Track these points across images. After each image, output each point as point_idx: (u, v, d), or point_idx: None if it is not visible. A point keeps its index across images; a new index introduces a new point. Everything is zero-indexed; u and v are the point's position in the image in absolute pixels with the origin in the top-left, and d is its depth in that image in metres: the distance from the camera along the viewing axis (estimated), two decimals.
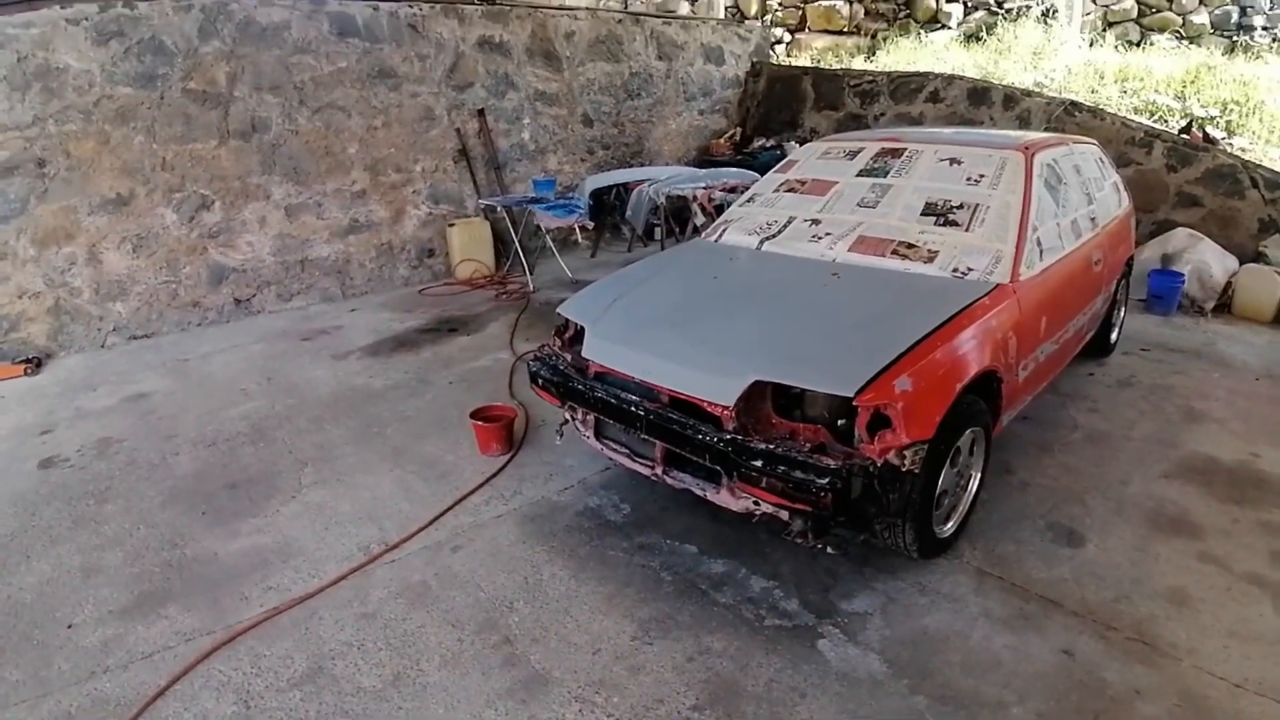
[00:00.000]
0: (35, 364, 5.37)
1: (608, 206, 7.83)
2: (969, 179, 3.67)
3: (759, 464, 2.51)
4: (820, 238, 3.54)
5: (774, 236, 3.67)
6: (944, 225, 3.48)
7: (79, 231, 5.61)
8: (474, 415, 3.74)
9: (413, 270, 7.17)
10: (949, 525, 3.00)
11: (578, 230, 7.19)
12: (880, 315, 2.89)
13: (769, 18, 11.41)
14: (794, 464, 2.47)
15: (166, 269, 5.96)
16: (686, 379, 2.71)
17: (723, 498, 2.73)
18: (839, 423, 2.62)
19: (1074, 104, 7.58)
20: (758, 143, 9.26)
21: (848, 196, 3.77)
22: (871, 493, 2.50)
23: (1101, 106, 7.60)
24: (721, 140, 9.39)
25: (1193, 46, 9.35)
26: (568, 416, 3.27)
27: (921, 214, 3.55)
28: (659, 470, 2.88)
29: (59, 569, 3.04)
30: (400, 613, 2.67)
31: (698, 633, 2.55)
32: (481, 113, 7.38)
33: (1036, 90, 8.04)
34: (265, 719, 2.29)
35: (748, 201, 4.13)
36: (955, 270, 3.25)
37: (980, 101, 8.10)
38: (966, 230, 3.43)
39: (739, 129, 9.64)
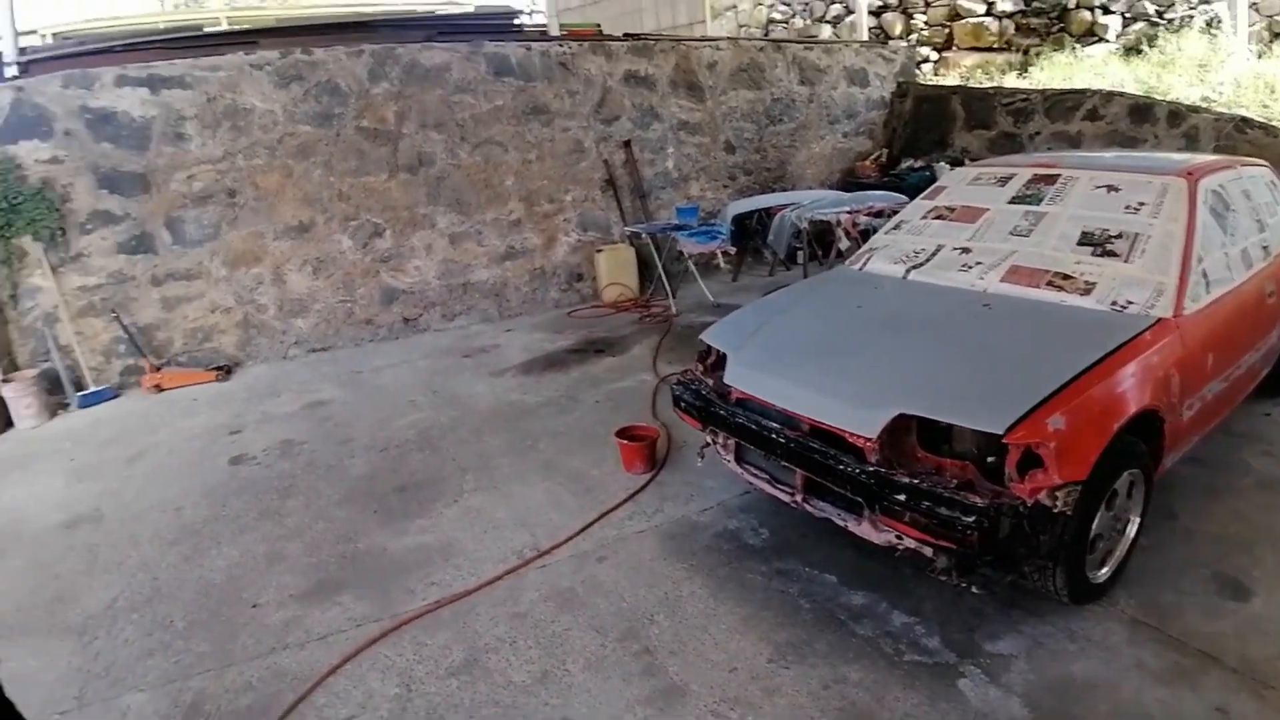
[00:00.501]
0: (226, 371, 6.04)
1: (750, 231, 7.92)
2: (1128, 207, 3.50)
3: (902, 498, 2.50)
4: (970, 267, 3.48)
5: (921, 265, 3.64)
6: (1102, 256, 3.34)
7: (265, 254, 6.28)
8: (620, 434, 3.91)
9: (562, 293, 7.51)
10: (1104, 570, 2.86)
11: (720, 255, 7.31)
12: (1034, 349, 2.82)
13: (914, 37, 11.17)
14: (939, 500, 2.45)
15: (343, 289, 6.56)
16: (828, 408, 2.75)
17: (864, 530, 2.74)
18: (988, 460, 2.57)
19: (1245, 120, 7.00)
20: (905, 164, 9.08)
21: (999, 224, 3.69)
22: (1020, 533, 2.44)
23: (1274, 123, 6.98)
24: (867, 162, 9.28)
25: None
26: (709, 440, 3.37)
27: (1078, 244, 3.42)
28: (799, 498, 2.93)
29: (246, 555, 3.45)
30: (549, 615, 2.85)
31: (834, 662, 2.57)
32: (628, 144, 7.66)
33: (1204, 106, 7.48)
34: (424, 702, 2.50)
35: (894, 229, 4.11)
36: (1114, 303, 3.11)
37: (1143, 119, 7.62)
38: (1126, 261, 3.27)
39: (885, 150, 9.49)
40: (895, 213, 6.53)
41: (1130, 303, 3.10)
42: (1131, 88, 8.24)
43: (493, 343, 6.41)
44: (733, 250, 7.05)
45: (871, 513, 2.62)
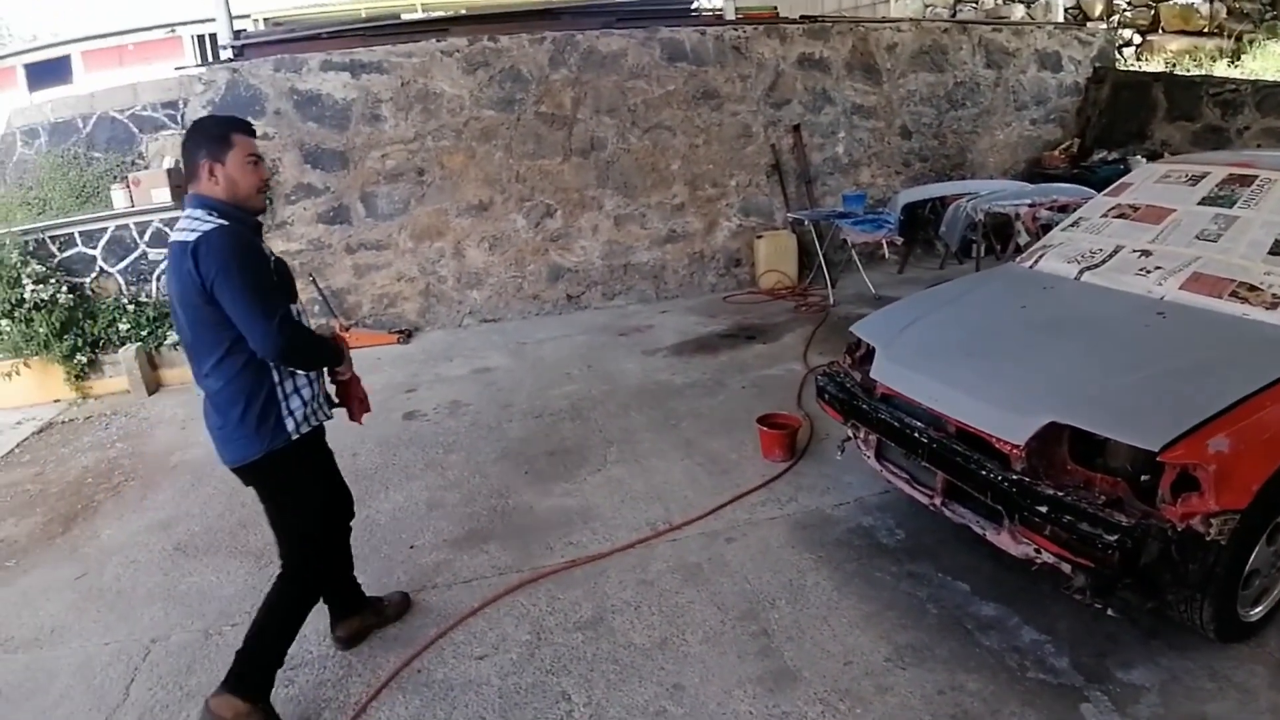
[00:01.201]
0: (407, 335, 6.61)
1: (921, 221, 7.61)
2: None
3: (1044, 510, 2.41)
4: (1149, 271, 3.23)
5: (1096, 266, 3.41)
6: None
7: (448, 230, 6.78)
8: (761, 420, 3.96)
9: (719, 278, 7.59)
10: (1258, 609, 2.61)
11: (885, 245, 7.10)
12: (1206, 364, 2.60)
13: (1115, 19, 10.22)
14: (1081, 515, 2.33)
15: (515, 265, 6.97)
16: (976, 411, 2.68)
17: (1002, 540, 2.65)
18: (1142, 478, 2.42)
19: None
20: (1098, 155, 8.38)
21: (1185, 227, 3.39)
22: (1167, 559, 2.28)
23: None
24: (1056, 152, 8.64)
25: None
26: (850, 434, 3.35)
27: (1269, 253, 3.07)
28: (938, 501, 2.87)
29: (409, 500, 3.82)
30: (674, 586, 2.98)
31: (954, 669, 2.52)
32: (797, 128, 7.57)
33: None
34: (551, 650, 2.70)
35: (1072, 225, 3.86)
36: None
37: None
38: None
39: (1077, 140, 8.80)
40: (1055, 207, 6.11)
41: None
42: None
43: (647, 323, 6.59)
44: (899, 240, 6.81)
45: (1011, 523, 2.53)
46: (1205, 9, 9.55)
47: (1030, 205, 6.17)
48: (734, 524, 3.39)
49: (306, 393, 2.37)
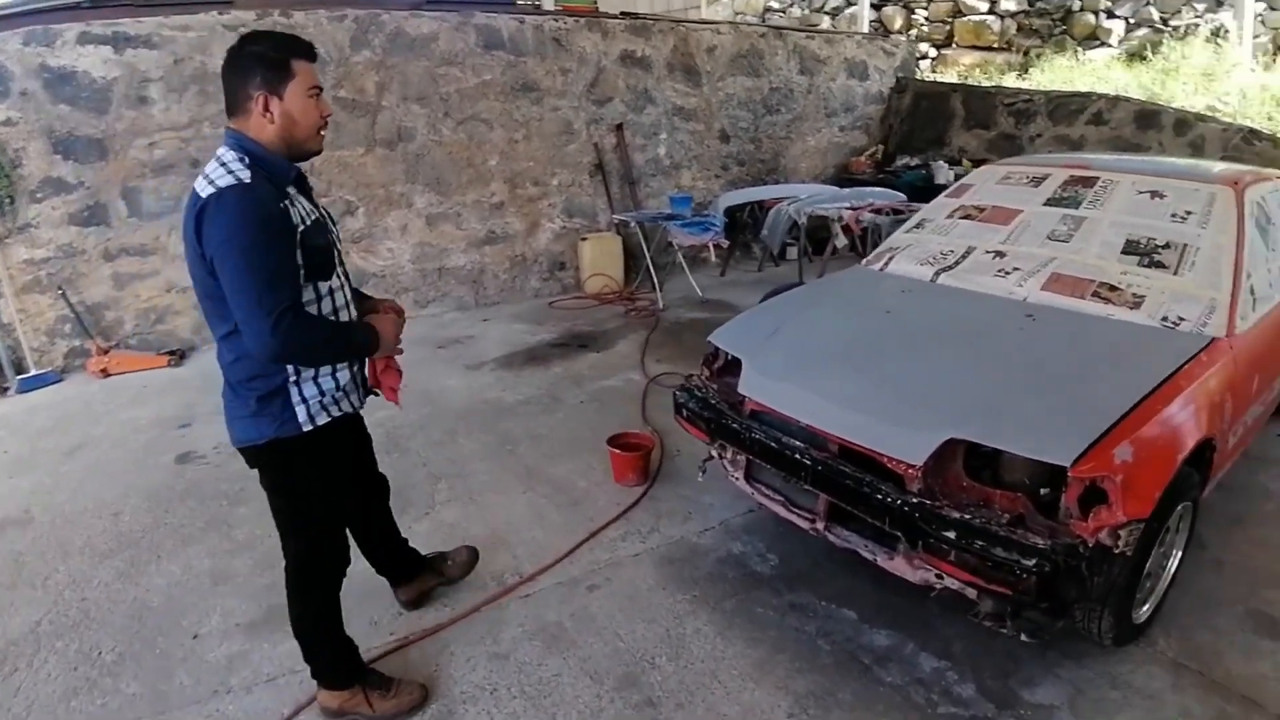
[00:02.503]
0: (179, 356, 5.59)
1: (740, 224, 7.60)
2: (1174, 215, 3.24)
3: (952, 536, 2.19)
4: (1008, 273, 3.17)
5: (951, 268, 3.32)
6: (1149, 267, 3.07)
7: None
8: (611, 442, 3.55)
9: (543, 282, 7.12)
10: (1144, 609, 2.59)
11: (711, 248, 6.96)
12: (1089, 369, 2.52)
13: (914, 33, 10.90)
14: (994, 539, 2.13)
15: None
16: (865, 428, 2.42)
17: (896, 565, 2.42)
18: (1041, 491, 2.27)
19: (1253, 132, 6.81)
20: (901, 161, 8.79)
21: (1035, 228, 3.39)
22: (1076, 576, 2.14)
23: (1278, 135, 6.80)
24: (862, 158, 8.98)
25: None
26: (714, 454, 3.02)
27: (1123, 252, 3.15)
28: (821, 526, 2.60)
29: (188, 573, 3.04)
30: (535, 656, 2.49)
31: (861, 714, 2.25)
32: (620, 127, 7.28)
33: (1211, 115, 7.27)
34: None
35: (916, 227, 3.79)
36: (1165, 319, 2.83)
37: (1148, 125, 7.39)
38: (1175, 274, 3.01)
39: (881, 146, 9.21)
40: (896, 211, 6.28)
41: (1182, 319, 2.83)
42: (1135, 93, 8.03)
43: (468, 333, 6.00)
44: (726, 244, 6.70)
45: (912, 549, 2.29)
46: (997, 25, 10.36)
47: (850, 209, 6.25)
48: (594, 567, 2.94)
49: (328, 381, 1.99)
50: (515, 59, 6.67)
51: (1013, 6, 10.32)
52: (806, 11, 12.08)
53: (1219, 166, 3.96)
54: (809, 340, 2.92)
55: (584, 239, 7.08)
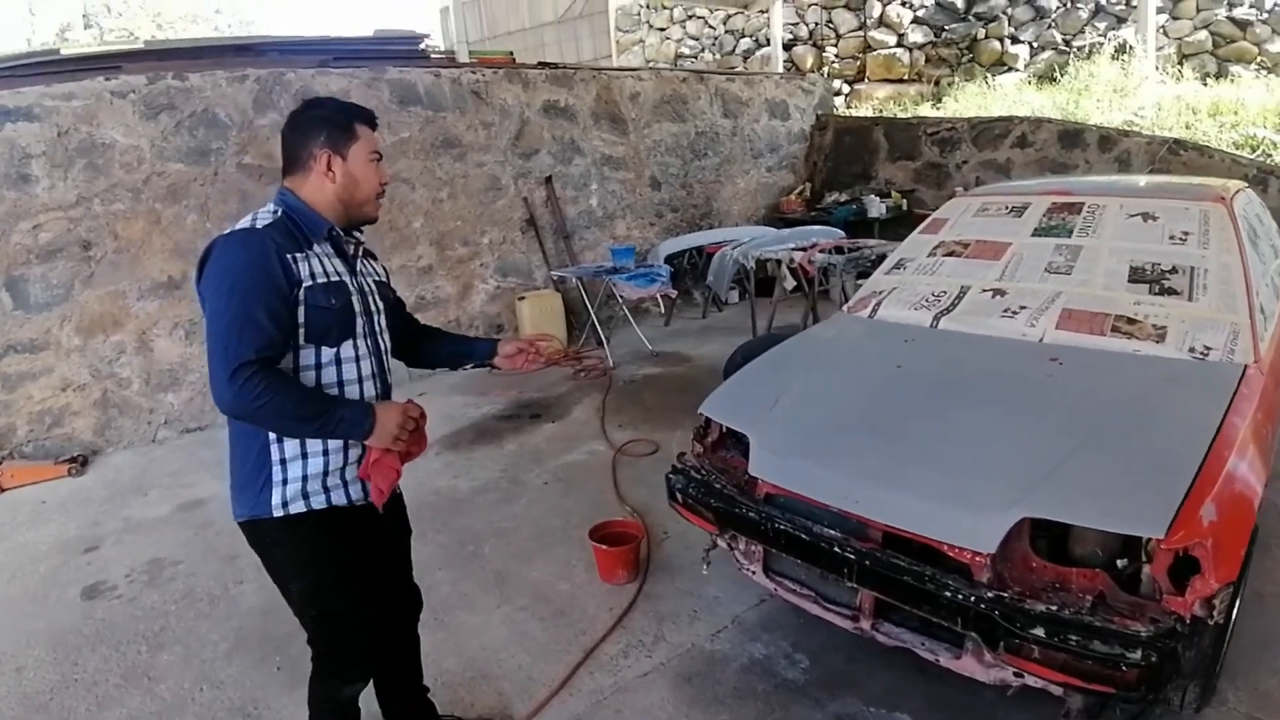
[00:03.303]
0: (80, 463, 4.89)
1: (680, 271, 7.35)
2: (1171, 237, 3.10)
3: (1040, 633, 1.85)
4: (1015, 312, 2.92)
5: (949, 311, 3.06)
6: (1161, 294, 2.88)
7: (128, 318, 5.19)
8: (594, 535, 3.12)
9: None
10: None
11: (659, 299, 6.65)
12: (1140, 416, 2.26)
13: (825, 70, 11.02)
14: (1091, 632, 1.81)
15: None
16: (916, 513, 2.08)
17: (965, 665, 2.07)
18: (1119, 564, 1.98)
19: (1178, 142, 6.97)
20: (831, 197, 8.73)
21: (1030, 261, 3.17)
22: (1175, 656, 1.84)
23: (1206, 144, 6.97)
24: (792, 197, 8.89)
25: (1272, 77, 8.70)
26: (720, 542, 2.63)
27: (1130, 281, 2.96)
28: (866, 624, 2.23)
29: None
30: None
31: None
32: (549, 180, 6.95)
33: (1134, 130, 7.45)
34: None
35: (895, 268, 3.54)
36: (1192, 350, 2.64)
37: (1073, 144, 7.51)
38: (1189, 300, 2.84)
39: (808, 184, 9.15)
40: (840, 249, 6.11)
41: (1209, 349, 2.64)
42: (1051, 114, 8.19)
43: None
44: (674, 294, 6.40)
45: (990, 649, 1.94)
46: (906, 58, 10.54)
47: (801, 250, 6.03)
48: (599, 697, 2.48)
49: (316, 463, 1.76)
50: (434, 114, 6.29)
51: (920, 38, 10.54)
52: (718, 56, 12.12)
53: (1194, 181, 3.89)
54: (820, 407, 2.59)
55: (521, 298, 6.67)
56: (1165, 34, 9.26)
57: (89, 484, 4.67)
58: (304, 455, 1.75)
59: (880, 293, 3.37)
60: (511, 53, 7.52)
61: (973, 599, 1.92)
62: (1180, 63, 9.03)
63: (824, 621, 2.39)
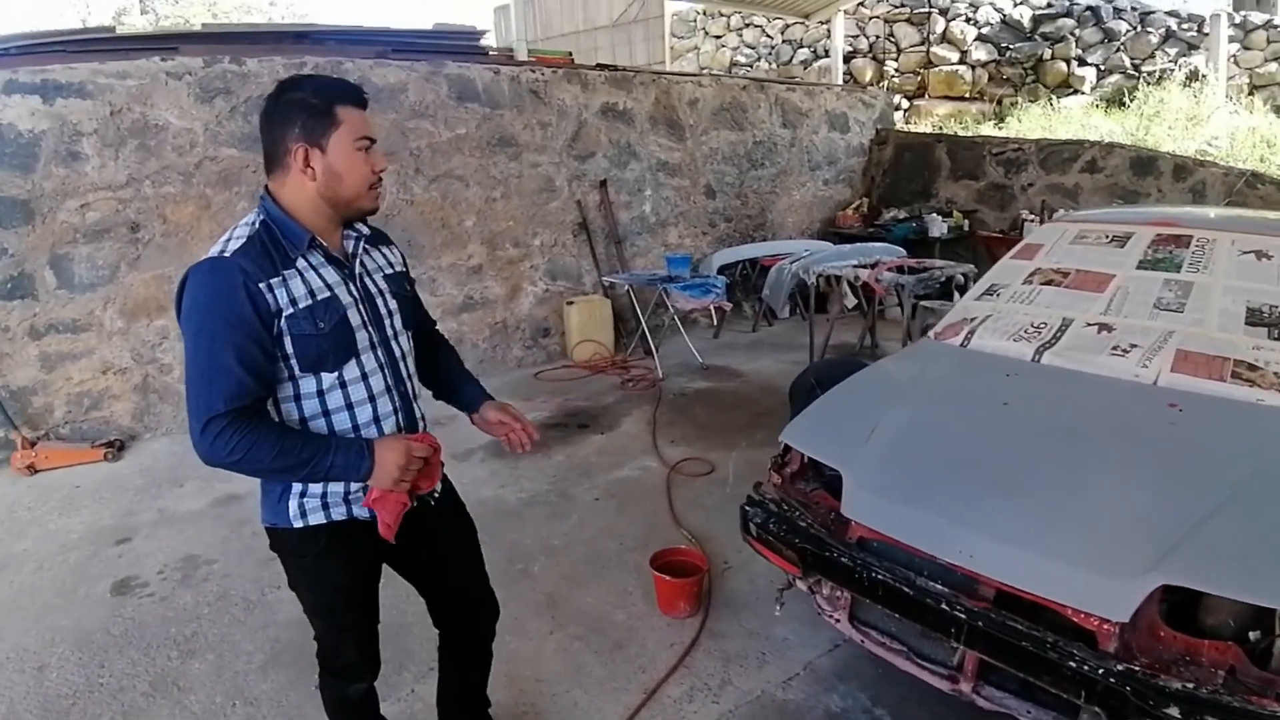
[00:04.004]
0: (117, 447, 4.80)
1: (732, 283, 7.13)
2: None
3: (1175, 714, 1.64)
4: (1126, 350, 2.68)
5: (1051, 344, 2.82)
6: (1279, 339, 2.63)
7: (171, 303, 5.09)
8: (655, 563, 2.92)
9: (526, 350, 6.50)
10: None
11: (712, 311, 6.46)
12: (1273, 473, 2.04)
13: (884, 84, 10.76)
14: (1230, 713, 1.61)
15: None
16: (1039, 571, 1.87)
17: None
18: (1251, 636, 1.76)
19: (1255, 175, 6.65)
20: (889, 214, 8.48)
21: (1136, 295, 2.93)
22: None
23: None
24: (849, 211, 8.65)
25: None
26: (800, 585, 2.42)
27: (1247, 323, 2.71)
28: (967, 686, 2.01)
29: None
30: None
31: None
32: (603, 184, 6.78)
33: (1209, 160, 7.13)
34: None
35: (987, 294, 3.31)
36: None
37: (1145, 172, 7.21)
38: None
39: (865, 199, 8.90)
40: (904, 269, 5.87)
41: None
42: (1120, 140, 7.88)
43: (448, 412, 5.18)
44: (729, 306, 6.20)
45: None
46: (969, 75, 10.25)
47: (868, 267, 5.79)
48: None
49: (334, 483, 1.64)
50: (491, 111, 6.15)
51: (984, 56, 10.24)
52: (775, 66, 11.91)
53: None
54: (922, 445, 2.37)
55: (570, 303, 6.50)
56: (1236, 63, 8.91)
57: (125, 470, 4.57)
58: None
59: (972, 320, 3.13)
60: (570, 53, 7.36)
61: (1100, 671, 1.70)
62: (1251, 93, 8.66)
63: (909, 676, 2.17)
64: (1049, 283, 3.17)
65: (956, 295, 5.71)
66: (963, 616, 1.90)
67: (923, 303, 5.54)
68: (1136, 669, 1.71)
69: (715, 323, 7.20)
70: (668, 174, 7.32)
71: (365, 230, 1.70)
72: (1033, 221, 7.28)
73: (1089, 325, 2.87)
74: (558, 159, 6.53)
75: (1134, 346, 2.69)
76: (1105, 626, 1.77)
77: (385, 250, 1.78)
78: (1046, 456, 2.21)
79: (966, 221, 8.05)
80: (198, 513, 3.94)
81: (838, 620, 2.32)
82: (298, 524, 1.64)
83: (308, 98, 1.54)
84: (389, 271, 1.75)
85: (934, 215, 7.94)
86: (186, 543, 3.62)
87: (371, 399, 1.64)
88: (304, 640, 2.80)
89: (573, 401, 5.47)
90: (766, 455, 4.44)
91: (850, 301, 6.18)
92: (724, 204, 7.81)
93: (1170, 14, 9.42)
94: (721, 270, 6.90)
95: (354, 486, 1.64)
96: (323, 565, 1.70)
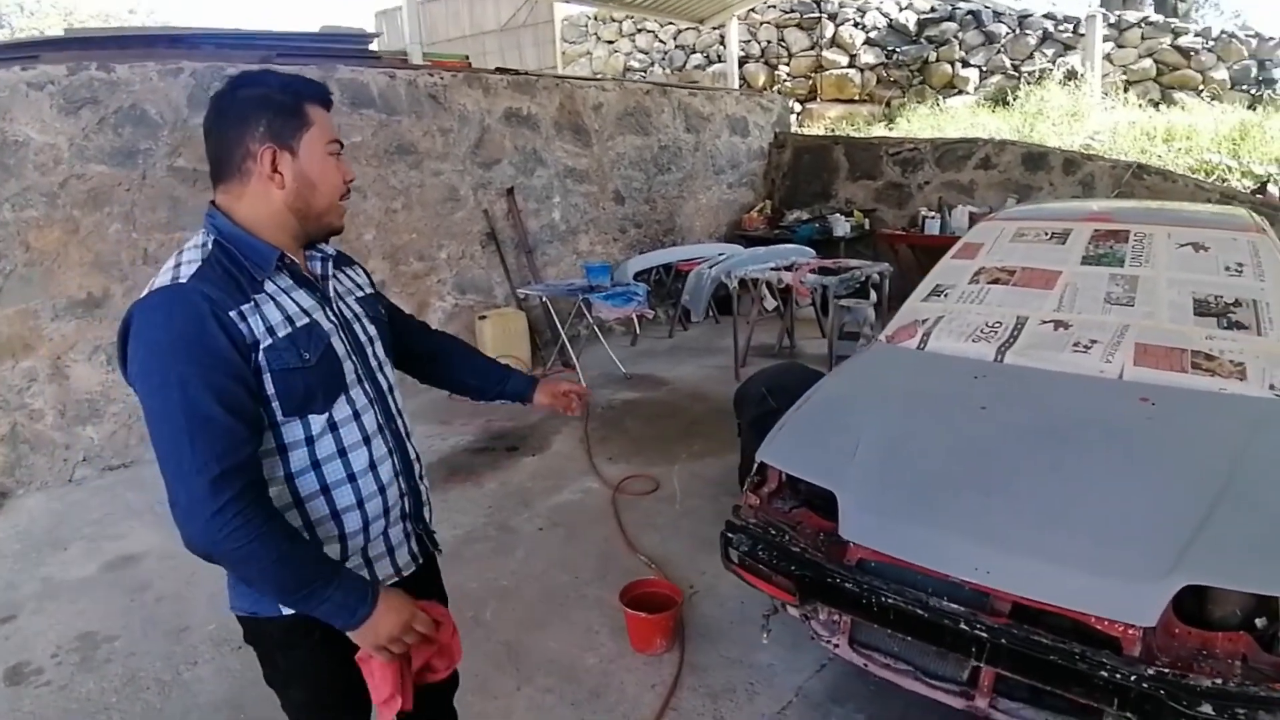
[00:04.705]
0: None
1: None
2: (1227, 269, 2.97)
3: (1209, 711, 1.61)
4: (1087, 346, 2.70)
5: (1011, 343, 2.81)
6: (1229, 328, 2.76)
7: (40, 341, 4.52)
8: (625, 599, 2.73)
9: None
10: None
11: (635, 319, 6.31)
12: (1262, 463, 2.07)
13: (777, 88, 10.93)
14: (1258, 703, 1.61)
15: None
16: (1059, 583, 1.81)
17: None
18: (1257, 623, 1.78)
19: (1141, 167, 7.07)
20: (792, 216, 8.57)
21: (1086, 291, 2.98)
22: None
23: (1169, 169, 7.10)
24: (753, 214, 8.70)
25: (1217, 104, 9.03)
26: (792, 610, 2.29)
27: (1195, 314, 2.81)
28: (983, 702, 1.93)
29: None
30: None
31: None
32: (510, 192, 6.53)
33: (1097, 154, 7.54)
34: None
35: (933, 295, 3.29)
36: (1273, 387, 2.47)
37: (1037, 167, 7.56)
38: (1259, 334, 2.71)
39: (768, 202, 8.97)
40: (815, 270, 5.90)
41: None
42: (1008, 137, 8.24)
43: None
44: (651, 314, 6.06)
45: None
46: (858, 78, 10.51)
47: (790, 269, 5.76)
48: None
49: (332, 549, 1.36)
50: (387, 118, 5.80)
51: (872, 59, 10.55)
52: (668, 71, 11.90)
53: (1216, 209, 3.82)
54: (911, 457, 2.28)
55: (482, 317, 6.20)
56: (1111, 61, 9.50)
57: None
58: (315, 538, 1.34)
59: (925, 321, 3.10)
60: (467, 57, 7.07)
61: (1133, 678, 1.65)
62: (1126, 89, 9.25)
63: (907, 691, 2.08)
64: (996, 281, 3.18)
65: (872, 293, 5.80)
66: (984, 635, 1.81)
67: (840, 302, 5.58)
68: (1167, 671, 1.68)
69: (635, 330, 7.06)
70: (576, 180, 7.13)
71: (330, 250, 1.45)
72: (933, 218, 7.50)
73: (1044, 323, 2.88)
74: (461, 167, 6.23)
75: (1094, 342, 2.71)
76: (1130, 632, 1.73)
77: (351, 271, 1.54)
78: (1038, 460, 2.17)
79: (867, 220, 8.22)
80: (88, 580, 3.46)
81: (836, 645, 2.20)
82: (288, 611, 1.33)
83: (272, 94, 1.30)
84: (360, 294, 1.51)
85: (836, 215, 8.08)
86: (79, 617, 3.15)
87: (366, 440, 1.39)
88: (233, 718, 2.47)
89: (496, 422, 5.20)
90: (709, 468, 4.39)
91: (770, 304, 6.17)
92: (633, 209, 7.69)
93: (1047, 16, 9.96)
94: (637, 276, 6.76)
95: (354, 551, 1.39)
96: (320, 658, 1.40)
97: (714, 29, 10.92)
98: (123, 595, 3.30)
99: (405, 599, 1.33)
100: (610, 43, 12.64)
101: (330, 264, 1.44)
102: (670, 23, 11.71)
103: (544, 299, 6.20)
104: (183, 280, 1.22)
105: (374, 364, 1.45)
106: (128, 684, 2.71)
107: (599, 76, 7.69)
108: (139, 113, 4.68)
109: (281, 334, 1.26)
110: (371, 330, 1.48)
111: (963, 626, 1.84)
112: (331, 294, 1.42)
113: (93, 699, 2.64)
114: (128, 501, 4.27)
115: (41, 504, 4.29)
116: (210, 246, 1.27)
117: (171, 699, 2.63)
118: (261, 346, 1.24)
